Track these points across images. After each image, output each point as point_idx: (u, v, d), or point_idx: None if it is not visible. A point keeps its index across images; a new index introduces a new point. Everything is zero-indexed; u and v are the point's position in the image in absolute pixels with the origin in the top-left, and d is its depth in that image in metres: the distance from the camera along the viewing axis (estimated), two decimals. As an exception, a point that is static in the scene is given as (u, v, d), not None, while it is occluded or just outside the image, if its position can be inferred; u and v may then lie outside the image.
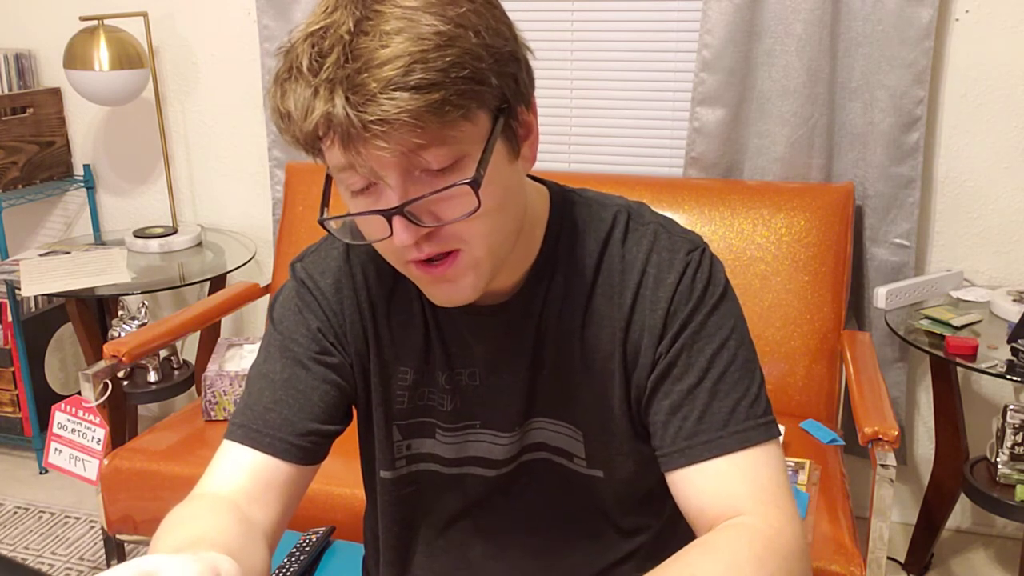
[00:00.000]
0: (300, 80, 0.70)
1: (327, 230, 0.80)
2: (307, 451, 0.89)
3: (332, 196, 0.81)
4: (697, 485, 0.84)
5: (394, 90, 0.67)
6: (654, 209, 0.94)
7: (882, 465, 1.49)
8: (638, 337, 0.88)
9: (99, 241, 2.72)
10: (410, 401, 0.95)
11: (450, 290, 0.80)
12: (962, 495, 2.04)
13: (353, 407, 0.97)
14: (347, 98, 0.68)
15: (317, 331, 0.91)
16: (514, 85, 0.76)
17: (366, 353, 0.93)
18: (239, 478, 0.86)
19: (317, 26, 0.71)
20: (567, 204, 0.91)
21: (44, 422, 2.33)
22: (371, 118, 0.68)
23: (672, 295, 0.86)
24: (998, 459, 1.96)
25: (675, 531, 1.03)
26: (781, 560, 0.77)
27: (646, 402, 0.89)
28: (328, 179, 0.80)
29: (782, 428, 1.84)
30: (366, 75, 0.68)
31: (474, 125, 0.73)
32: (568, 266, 0.89)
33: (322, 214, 0.80)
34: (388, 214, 0.73)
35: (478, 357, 0.92)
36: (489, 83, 0.72)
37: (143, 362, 2.48)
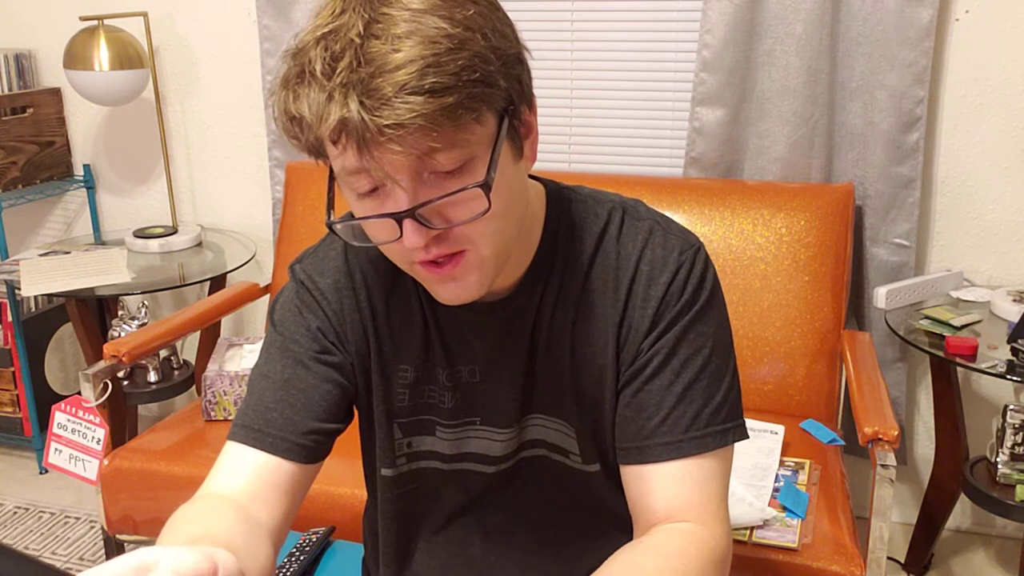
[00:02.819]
0: (313, 84, 0.70)
1: (335, 233, 0.80)
2: (309, 450, 0.89)
3: (336, 197, 0.81)
4: (650, 484, 0.87)
5: (409, 94, 0.68)
6: (652, 208, 0.94)
7: (882, 465, 1.49)
8: (627, 333, 0.89)
9: (99, 241, 2.72)
10: (410, 399, 0.95)
11: (455, 288, 0.81)
12: (962, 495, 2.04)
13: (354, 406, 0.97)
14: (362, 102, 0.68)
15: (317, 331, 0.92)
16: (519, 86, 0.77)
17: (366, 352, 0.94)
18: (243, 478, 0.86)
19: (326, 29, 0.71)
20: (563, 201, 0.92)
21: (44, 422, 2.34)
22: (386, 122, 0.68)
23: (663, 295, 0.87)
24: (998, 459, 1.96)
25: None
26: (721, 572, 0.84)
27: (619, 392, 0.90)
28: (331, 182, 0.80)
29: (782, 428, 1.85)
30: (380, 79, 0.68)
31: (483, 127, 0.73)
32: (564, 262, 0.90)
33: (329, 217, 0.80)
34: (399, 217, 0.74)
35: (477, 354, 0.93)
36: (498, 85, 0.73)
37: (143, 362, 2.48)
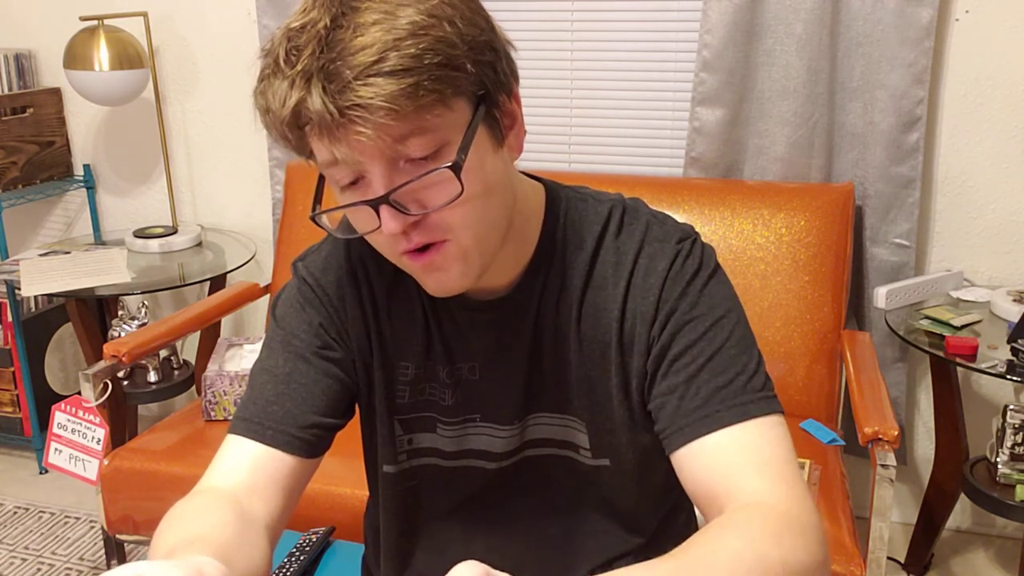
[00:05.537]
0: (278, 74, 0.73)
1: (319, 225, 0.81)
2: (309, 444, 0.89)
3: (325, 195, 0.83)
4: (699, 461, 0.83)
5: (368, 76, 0.69)
6: (651, 207, 0.94)
7: (882, 465, 1.49)
8: (631, 326, 0.89)
9: (99, 241, 2.73)
10: (411, 396, 0.96)
11: (440, 278, 0.81)
12: (962, 495, 2.04)
13: (355, 402, 0.98)
14: (323, 87, 0.70)
15: (319, 326, 0.92)
16: (493, 74, 0.77)
17: (368, 348, 0.94)
18: (241, 472, 0.87)
19: (295, 24, 0.73)
20: (564, 200, 0.92)
21: (44, 422, 2.33)
22: (346, 104, 0.69)
23: (663, 281, 0.87)
24: (998, 459, 1.96)
25: (674, 528, 1.03)
26: (797, 536, 0.74)
27: (648, 388, 0.89)
28: (321, 178, 0.82)
29: (782, 428, 1.85)
30: (340, 63, 0.69)
31: (452, 111, 0.74)
32: (564, 260, 0.90)
33: (314, 210, 0.81)
34: (375, 203, 0.75)
35: (478, 351, 0.93)
36: (464, 69, 0.73)
37: (143, 362, 2.49)
